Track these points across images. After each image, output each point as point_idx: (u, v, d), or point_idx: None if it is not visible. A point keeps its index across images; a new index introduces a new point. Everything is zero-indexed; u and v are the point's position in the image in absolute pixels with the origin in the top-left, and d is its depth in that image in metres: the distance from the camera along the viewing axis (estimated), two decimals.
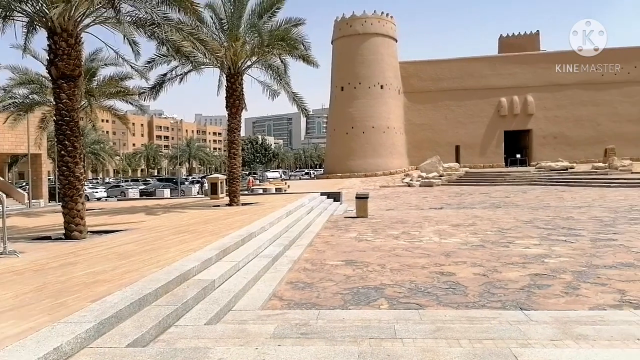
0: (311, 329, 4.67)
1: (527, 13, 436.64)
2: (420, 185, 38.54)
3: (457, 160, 50.59)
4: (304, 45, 17.82)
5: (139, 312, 4.63)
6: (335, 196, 21.53)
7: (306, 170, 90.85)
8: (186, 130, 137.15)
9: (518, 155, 51.59)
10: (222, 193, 21.62)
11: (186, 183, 44.95)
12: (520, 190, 29.99)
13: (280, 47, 17.27)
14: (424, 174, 41.94)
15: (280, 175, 69.06)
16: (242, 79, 18.12)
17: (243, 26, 17.65)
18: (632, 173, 34.08)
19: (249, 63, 18.28)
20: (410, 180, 40.47)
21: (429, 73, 54.12)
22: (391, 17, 53.18)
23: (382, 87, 50.85)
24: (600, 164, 39.44)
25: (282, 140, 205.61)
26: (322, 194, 21.41)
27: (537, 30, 60.28)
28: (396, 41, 53.99)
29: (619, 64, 51.13)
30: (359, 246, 10.16)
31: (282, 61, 18.75)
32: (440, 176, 41.35)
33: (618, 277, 6.76)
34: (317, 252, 9.64)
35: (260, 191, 29.11)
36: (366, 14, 51.68)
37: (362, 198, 16.19)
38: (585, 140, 51.10)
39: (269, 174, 65.78)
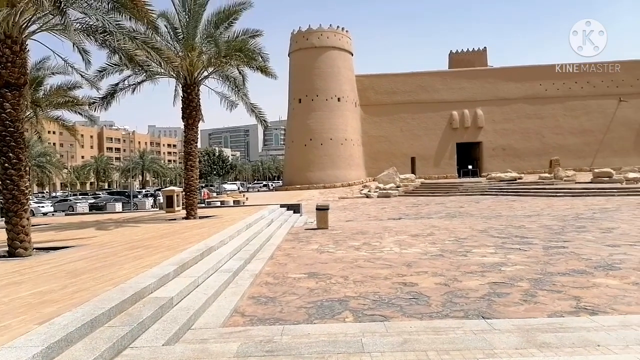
0: (276, 345, 4.52)
1: (475, 30, 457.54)
2: (378, 196, 39.03)
3: (413, 172, 51.73)
4: (262, 57, 17.74)
5: (91, 334, 4.34)
6: (295, 208, 21.40)
7: (264, 182, 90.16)
8: (139, 141, 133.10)
9: (470, 167, 53.43)
10: (178, 206, 20.99)
11: (139, 196, 43.49)
12: (473, 200, 30.94)
13: (238, 58, 17.10)
14: (381, 185, 42.53)
15: (238, 188, 68.17)
16: (198, 90, 17.78)
17: (199, 36, 17.37)
18: (576, 183, 35.99)
19: (205, 74, 17.98)
20: (369, 191, 40.93)
21: (384, 86, 55.29)
22: (347, 31, 54.07)
23: (339, 99, 51.42)
24: (546, 175, 41.41)
25: (239, 152, 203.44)
26: (281, 205, 21.21)
27: (485, 47, 63.15)
28: (352, 55, 54.90)
29: (563, 79, 54.10)
30: (321, 258, 10.07)
31: (240, 72, 18.57)
32: (397, 187, 42.08)
33: (572, 284, 7.01)
34: (279, 265, 9.48)
35: (218, 204, 28.56)
36: (322, 28, 52.31)
37: (322, 209, 16.15)
38: (531, 152, 53.60)
39: (227, 186, 64.79)
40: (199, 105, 17.73)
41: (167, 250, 8.67)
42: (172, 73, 17.36)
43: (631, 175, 34.48)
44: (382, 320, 5.53)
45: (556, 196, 30.55)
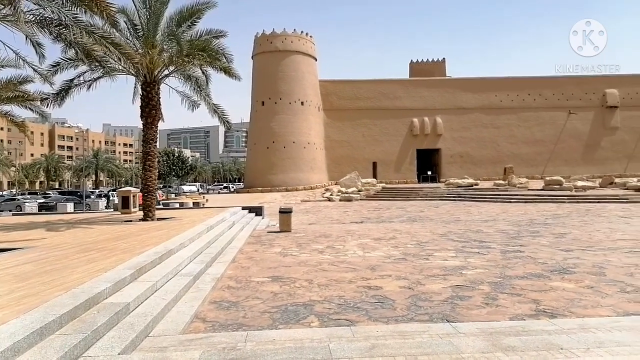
0: (240, 353, 4.37)
1: (434, 41, 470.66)
2: (340, 200, 39.20)
3: (375, 176, 52.34)
4: (226, 57, 17.47)
5: (41, 343, 4.04)
6: (257, 210, 21.12)
7: (225, 184, 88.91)
8: (93, 140, 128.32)
9: (429, 172, 54.64)
10: (134, 207, 20.28)
11: (92, 197, 41.87)
12: (432, 205, 31.59)
13: (201, 58, 16.78)
14: (343, 189, 42.76)
15: (198, 189, 66.87)
16: (158, 88, 17.28)
17: (160, 33, 16.94)
18: (529, 190, 37.45)
19: (166, 72, 17.54)
20: (331, 195, 41.05)
21: (347, 92, 55.76)
22: (310, 36, 54.22)
23: (302, 103, 51.40)
24: (501, 182, 42.91)
25: (199, 154, 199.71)
26: (243, 208, 20.89)
27: (444, 58, 64.94)
28: (316, 60, 55.08)
29: (517, 91, 56.42)
30: (284, 261, 9.93)
31: (203, 72, 18.22)
32: (359, 191, 42.42)
33: (530, 287, 7.19)
34: (241, 268, 9.26)
35: (177, 205, 27.84)
36: (287, 32, 52.22)
37: (285, 212, 15.99)
38: (487, 159, 55.44)
39: (186, 188, 63.42)
40: (159, 104, 17.23)
41: (123, 253, 8.29)
42: (131, 70, 16.81)
43: (580, 183, 36.23)
44: (348, 324, 5.46)
45: (510, 202, 31.63)
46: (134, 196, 20.58)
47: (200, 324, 5.65)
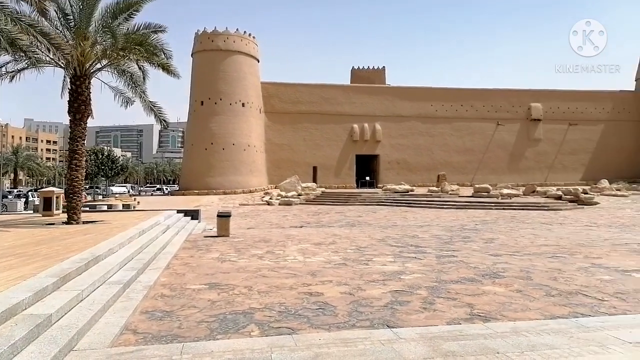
0: None
1: (375, 49, 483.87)
2: (279, 204, 38.95)
3: (315, 181, 52.55)
4: (164, 54, 16.82)
5: None
6: (194, 214, 20.42)
7: (158, 186, 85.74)
8: (12, 136, 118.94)
9: (367, 178, 55.73)
10: (57, 209, 18.91)
11: (10, 197, 38.75)
12: (370, 210, 32.20)
13: (137, 52, 16.02)
14: (283, 193, 42.56)
15: (129, 190, 63.90)
16: (89, 83, 16.26)
17: (94, 25, 16.00)
18: (460, 197, 39.24)
19: (99, 66, 16.54)
20: (270, 198, 40.70)
21: (288, 95, 55.67)
22: (253, 37, 53.62)
23: (243, 104, 50.62)
24: (434, 188, 44.63)
25: (130, 153, 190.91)
26: (178, 211, 20.11)
27: (384, 66, 66.80)
28: (258, 61, 54.53)
29: (451, 102, 59.14)
30: (222, 267, 9.62)
31: (140, 68, 17.39)
32: (299, 195, 42.41)
33: (465, 292, 7.44)
34: (176, 275, 8.85)
35: (105, 207, 26.32)
36: (229, 31, 51.29)
37: (223, 216, 15.58)
38: (422, 166, 57.50)
39: (115, 189, 60.33)
40: (89, 99, 16.21)
41: (45, 260, 7.65)
42: (60, 62, 15.71)
43: (505, 191, 38.50)
44: (290, 333, 5.34)
45: (443, 208, 32.96)
46: (57, 197, 19.20)
47: (131, 336, 5.29)
